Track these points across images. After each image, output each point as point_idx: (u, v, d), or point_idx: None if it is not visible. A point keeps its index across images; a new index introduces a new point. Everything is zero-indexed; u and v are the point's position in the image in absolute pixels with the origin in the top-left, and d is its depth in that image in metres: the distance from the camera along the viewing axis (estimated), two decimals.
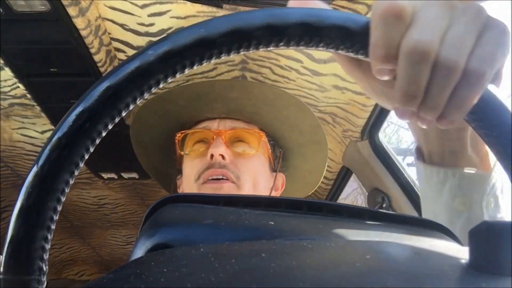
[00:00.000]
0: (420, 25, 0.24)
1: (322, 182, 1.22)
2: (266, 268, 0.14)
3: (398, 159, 0.96)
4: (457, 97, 0.25)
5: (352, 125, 0.98)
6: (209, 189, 0.64)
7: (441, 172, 0.39)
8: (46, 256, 0.24)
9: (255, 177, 0.69)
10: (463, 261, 0.15)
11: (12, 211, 0.23)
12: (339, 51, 0.26)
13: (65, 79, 0.84)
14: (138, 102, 0.25)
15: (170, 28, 0.76)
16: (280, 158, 0.78)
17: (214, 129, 0.72)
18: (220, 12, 0.70)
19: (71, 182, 0.24)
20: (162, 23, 0.75)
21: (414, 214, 0.87)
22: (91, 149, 0.24)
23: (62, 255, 2.00)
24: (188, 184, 0.70)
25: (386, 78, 0.26)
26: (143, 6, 0.71)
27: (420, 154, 0.42)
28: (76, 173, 0.24)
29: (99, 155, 1.13)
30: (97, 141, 0.24)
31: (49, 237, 0.24)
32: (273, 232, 0.23)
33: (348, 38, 0.26)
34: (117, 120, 0.24)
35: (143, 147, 0.89)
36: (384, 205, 0.93)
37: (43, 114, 0.97)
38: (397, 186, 0.92)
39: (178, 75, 0.25)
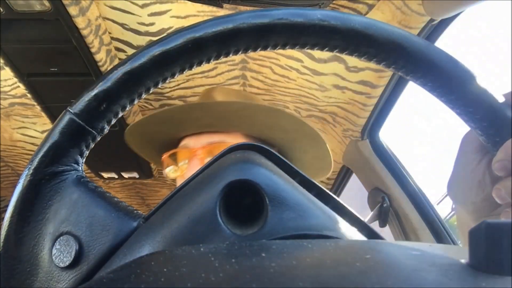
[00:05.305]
0: None
1: (322, 182, 1.23)
2: (266, 268, 0.14)
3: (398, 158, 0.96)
4: None
5: (353, 124, 0.98)
6: None
7: None
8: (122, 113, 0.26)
9: None
10: (463, 261, 0.15)
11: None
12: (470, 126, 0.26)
13: (65, 78, 0.84)
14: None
15: (170, 27, 0.76)
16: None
17: (191, 147, 0.72)
18: (220, 12, 0.70)
19: (160, 83, 0.25)
20: (162, 23, 0.75)
21: (414, 213, 0.87)
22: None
23: None
24: None
25: (502, 172, 0.28)
26: (143, 6, 0.71)
27: None
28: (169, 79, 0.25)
29: (99, 155, 1.14)
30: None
31: (128, 106, 0.25)
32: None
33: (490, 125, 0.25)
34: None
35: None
36: (384, 205, 0.93)
37: (43, 114, 0.97)
38: (397, 186, 0.92)
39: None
